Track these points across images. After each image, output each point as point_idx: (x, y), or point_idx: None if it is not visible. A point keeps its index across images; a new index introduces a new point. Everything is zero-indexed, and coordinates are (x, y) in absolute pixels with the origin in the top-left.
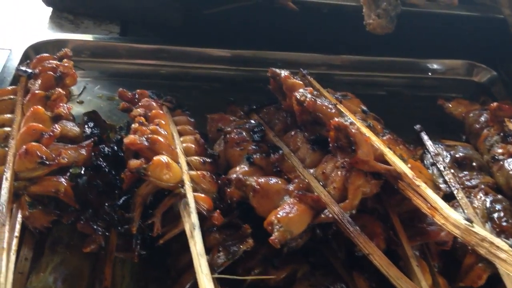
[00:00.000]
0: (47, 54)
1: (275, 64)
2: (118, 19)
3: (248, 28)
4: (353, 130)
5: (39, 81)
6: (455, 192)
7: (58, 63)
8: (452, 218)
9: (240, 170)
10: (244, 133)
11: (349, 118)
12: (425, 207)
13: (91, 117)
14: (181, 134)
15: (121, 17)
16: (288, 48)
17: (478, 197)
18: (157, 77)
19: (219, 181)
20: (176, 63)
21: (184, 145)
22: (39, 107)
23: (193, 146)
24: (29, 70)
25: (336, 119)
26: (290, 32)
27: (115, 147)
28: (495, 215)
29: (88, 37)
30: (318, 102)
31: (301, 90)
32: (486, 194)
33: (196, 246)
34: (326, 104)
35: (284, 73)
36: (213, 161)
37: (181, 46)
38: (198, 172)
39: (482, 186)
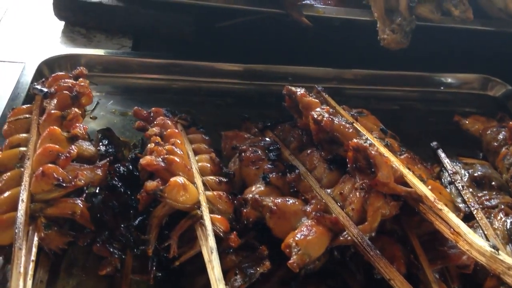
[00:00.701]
0: (62, 73)
1: (287, 79)
2: (130, 33)
3: (260, 42)
4: (372, 152)
5: (55, 100)
6: (474, 212)
7: (74, 82)
8: (476, 245)
9: (256, 189)
10: (259, 151)
11: (367, 138)
12: (448, 231)
13: (106, 134)
14: (196, 152)
15: (133, 31)
16: (300, 62)
17: (498, 217)
18: (170, 91)
19: (235, 201)
20: (189, 77)
21: (199, 164)
22: (56, 127)
23: (209, 165)
24: (45, 89)
25: (355, 140)
26: (302, 46)
27: (130, 166)
28: None
29: (100, 51)
30: (335, 121)
31: (318, 109)
32: (506, 214)
33: (214, 270)
34: (343, 123)
35: (300, 91)
36: (229, 180)
37: (193, 61)
38: (215, 193)
39: (502, 206)
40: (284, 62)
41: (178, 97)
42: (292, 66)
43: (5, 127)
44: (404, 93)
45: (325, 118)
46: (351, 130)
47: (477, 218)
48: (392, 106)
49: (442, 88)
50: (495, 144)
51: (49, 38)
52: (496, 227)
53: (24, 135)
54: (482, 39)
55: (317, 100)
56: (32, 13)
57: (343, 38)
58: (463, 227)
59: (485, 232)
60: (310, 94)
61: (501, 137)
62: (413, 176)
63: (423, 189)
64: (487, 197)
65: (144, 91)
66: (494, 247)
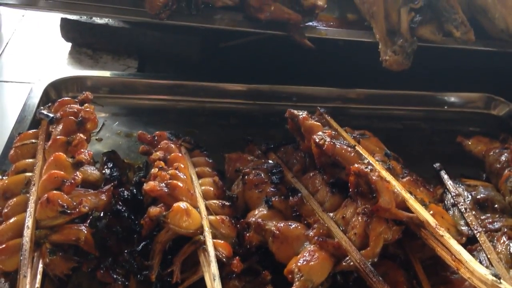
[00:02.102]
0: (68, 98)
1: (291, 99)
2: (136, 54)
3: (264, 62)
4: (374, 177)
5: (60, 126)
6: (477, 235)
7: (80, 107)
8: (478, 273)
9: (259, 213)
10: (262, 174)
11: (369, 163)
12: (449, 258)
13: (110, 157)
14: (199, 176)
15: (139, 52)
16: (304, 82)
17: (502, 241)
18: (175, 112)
19: (238, 225)
20: (193, 98)
21: (203, 188)
22: (61, 153)
23: (212, 189)
24: (51, 115)
25: (356, 165)
26: (306, 66)
27: (134, 190)
28: None
29: (106, 73)
30: (337, 145)
31: (320, 133)
32: (509, 238)
33: None
34: (345, 147)
35: (302, 114)
36: (232, 204)
37: (197, 81)
38: (217, 217)
39: (505, 230)
40: (288, 82)
41: (183, 118)
42: (296, 86)
43: (12, 152)
44: (407, 113)
45: (326, 142)
46: (352, 154)
47: (480, 242)
48: (395, 126)
49: (445, 107)
50: (498, 166)
51: (56, 59)
52: (499, 250)
53: (30, 160)
54: (485, 59)
55: (319, 124)
56: (40, 35)
57: (346, 59)
58: (464, 254)
59: (488, 256)
60: (312, 116)
61: (504, 158)
62: (414, 201)
63: (425, 215)
64: (490, 220)
65: (149, 111)
66: (495, 275)
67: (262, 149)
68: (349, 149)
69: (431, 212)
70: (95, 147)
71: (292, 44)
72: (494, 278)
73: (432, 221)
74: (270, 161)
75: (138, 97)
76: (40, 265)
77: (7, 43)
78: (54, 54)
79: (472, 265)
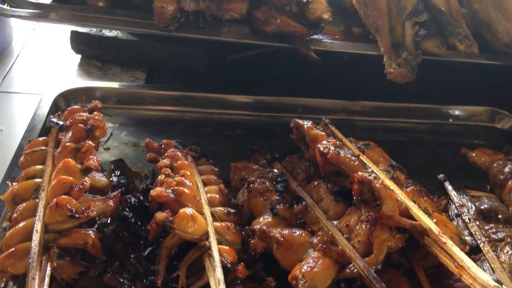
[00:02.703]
0: (77, 106)
1: (297, 110)
2: (144, 66)
3: (270, 74)
4: (377, 185)
5: (70, 133)
6: (481, 245)
7: (89, 115)
8: (480, 279)
9: (264, 221)
10: (267, 183)
11: (373, 171)
12: (452, 265)
13: (118, 165)
14: (205, 184)
15: (147, 64)
16: (309, 94)
17: (505, 251)
18: (181, 123)
19: (243, 232)
20: (200, 109)
21: (208, 195)
22: (70, 159)
23: (217, 196)
24: (61, 123)
25: (360, 173)
26: (311, 78)
27: (141, 197)
28: None
29: (115, 84)
30: (341, 154)
31: (324, 142)
32: None
33: None
34: (349, 156)
35: (307, 124)
36: (237, 211)
37: (204, 93)
38: (223, 224)
39: (509, 240)
40: (294, 94)
41: (190, 128)
42: (301, 98)
43: (22, 158)
44: (412, 125)
45: (331, 151)
46: (356, 162)
47: (484, 251)
48: (400, 138)
49: (450, 120)
50: (502, 177)
51: (65, 71)
52: (502, 260)
53: (40, 166)
54: (489, 73)
55: (324, 133)
56: (50, 47)
57: (351, 71)
58: (467, 261)
59: (492, 266)
60: (317, 127)
61: (507, 170)
62: (418, 209)
63: (428, 222)
64: (494, 230)
65: (157, 122)
66: (497, 281)
67: (267, 158)
68: (353, 158)
69: (434, 220)
70: (103, 156)
71: (298, 57)
72: (496, 284)
73: (435, 228)
74: (275, 170)
75: (146, 108)
76: (48, 269)
77: (18, 55)
78: (64, 66)
79: (474, 272)
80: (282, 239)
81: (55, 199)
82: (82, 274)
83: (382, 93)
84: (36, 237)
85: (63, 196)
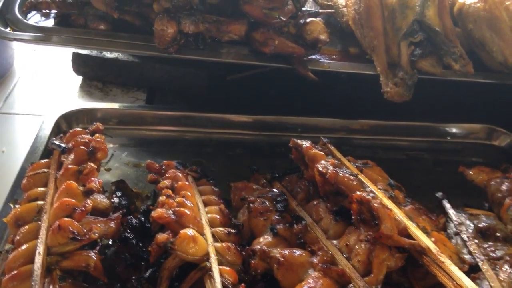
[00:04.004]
0: (79, 129)
1: (296, 130)
2: (145, 87)
3: (270, 94)
4: (375, 205)
5: (72, 155)
6: (480, 264)
7: (90, 137)
8: None
9: (264, 241)
10: (267, 203)
11: (371, 191)
12: (451, 284)
13: (119, 186)
14: (206, 204)
15: (148, 85)
16: (309, 113)
17: (504, 269)
18: (182, 143)
19: (244, 253)
20: (200, 129)
21: (209, 215)
22: (72, 182)
23: (218, 216)
24: (63, 145)
25: (358, 193)
26: (311, 98)
27: (142, 218)
28: None
29: (115, 105)
30: (340, 174)
31: (322, 161)
32: (511, 266)
33: None
34: (347, 175)
35: (305, 144)
36: (238, 231)
37: (205, 113)
38: (223, 244)
39: (507, 258)
40: (293, 114)
41: (190, 148)
42: (301, 117)
43: (24, 181)
44: (410, 143)
45: (329, 171)
46: (355, 182)
47: (483, 270)
48: (399, 156)
49: (448, 138)
50: (499, 195)
51: (67, 92)
52: (502, 278)
53: (42, 189)
54: (485, 91)
55: (322, 153)
56: (51, 69)
57: (350, 91)
58: (465, 280)
59: (491, 284)
60: (316, 146)
61: (505, 188)
62: (416, 229)
63: (426, 242)
64: (492, 249)
65: (157, 142)
66: None
67: (267, 178)
68: (352, 177)
69: (433, 239)
70: (104, 176)
71: (297, 77)
72: None
73: (433, 248)
74: (275, 190)
75: (147, 128)
76: None
77: (19, 77)
78: (65, 87)
79: None
80: (282, 259)
81: (57, 222)
82: None
83: (379, 112)
84: (38, 260)
85: (66, 219)
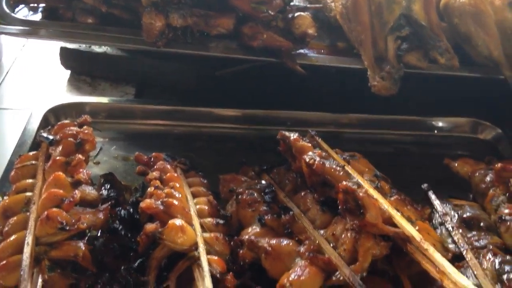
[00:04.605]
0: (67, 121)
1: (285, 123)
2: (133, 81)
3: (259, 88)
4: (360, 194)
5: (60, 147)
6: (464, 252)
7: (78, 129)
8: (460, 284)
9: (252, 231)
10: (255, 194)
11: (357, 181)
12: (433, 271)
13: (108, 179)
14: (194, 195)
15: (136, 79)
16: (298, 107)
17: (487, 258)
18: (171, 137)
19: (232, 243)
20: (190, 123)
21: (197, 206)
22: (60, 173)
23: (206, 207)
24: (51, 137)
25: (344, 183)
26: (300, 92)
27: (131, 209)
28: (505, 276)
29: (104, 99)
30: (326, 164)
31: (310, 153)
32: (494, 255)
33: None
34: (334, 166)
35: (293, 136)
36: (226, 222)
37: (194, 107)
38: (212, 234)
39: (491, 247)
40: (283, 108)
41: (180, 142)
42: (290, 111)
43: (12, 173)
44: (398, 137)
45: (316, 162)
46: (341, 173)
47: (467, 259)
48: (386, 149)
49: (435, 131)
50: (483, 186)
51: (55, 86)
52: (485, 267)
53: (30, 180)
54: (470, 85)
55: (310, 144)
56: (40, 63)
57: (338, 84)
58: (448, 266)
59: (475, 272)
60: (304, 138)
61: (489, 179)
62: (401, 217)
63: (410, 230)
64: (476, 238)
65: (146, 136)
66: (477, 285)
67: (255, 170)
68: (338, 168)
69: (417, 228)
70: (93, 170)
71: (286, 71)
72: None
73: (417, 235)
74: (263, 182)
75: (136, 122)
76: (40, 281)
77: (7, 72)
78: (54, 82)
79: (455, 277)
80: (270, 248)
81: (45, 212)
82: (73, 286)
83: (368, 105)
84: (27, 250)
85: (54, 209)
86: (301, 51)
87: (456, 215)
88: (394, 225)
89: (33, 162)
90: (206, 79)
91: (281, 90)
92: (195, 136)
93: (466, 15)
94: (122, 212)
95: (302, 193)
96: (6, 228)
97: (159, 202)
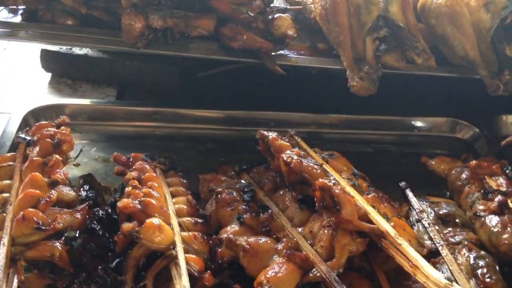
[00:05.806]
0: (45, 122)
1: (268, 124)
2: (115, 83)
3: (241, 89)
4: (336, 191)
5: (37, 148)
6: (439, 248)
7: (56, 130)
8: (432, 277)
9: (231, 230)
10: (234, 193)
11: (334, 178)
12: (407, 265)
13: (87, 180)
14: (173, 195)
15: (118, 81)
16: (280, 108)
17: (462, 253)
18: (153, 138)
19: (211, 241)
20: (171, 124)
21: (176, 206)
22: (37, 173)
23: (185, 207)
24: (28, 138)
25: (321, 180)
26: (281, 93)
27: (109, 210)
28: (479, 271)
29: (85, 101)
30: (304, 163)
31: (288, 151)
32: (469, 250)
33: None
34: (311, 164)
35: (271, 135)
36: (205, 221)
37: (175, 108)
38: (190, 233)
39: (466, 243)
40: (265, 109)
41: (160, 143)
42: (271, 112)
43: None
44: (378, 137)
45: (294, 160)
46: (319, 171)
47: (443, 254)
48: (366, 149)
49: (415, 131)
50: (459, 183)
51: (36, 89)
52: (460, 262)
53: (7, 181)
54: (446, 84)
55: (288, 143)
56: (20, 66)
57: (319, 85)
58: (420, 260)
59: (450, 268)
60: (283, 138)
61: (464, 176)
62: (376, 214)
63: (385, 226)
64: (452, 234)
65: (127, 138)
66: (448, 279)
67: (235, 170)
68: (316, 166)
69: (392, 224)
70: (73, 172)
71: (267, 72)
72: (447, 281)
73: (391, 231)
74: (243, 181)
75: (116, 124)
76: (15, 281)
77: None
78: (35, 84)
79: (427, 270)
80: (248, 246)
81: (21, 212)
82: (50, 286)
83: (348, 106)
84: (3, 250)
85: (30, 209)
86: (282, 52)
87: (433, 212)
88: (370, 221)
89: (11, 163)
90: (188, 80)
91: (264, 91)
92: (176, 137)
93: (443, 16)
94: (100, 212)
95: (281, 192)
96: None
97: (136, 201)
